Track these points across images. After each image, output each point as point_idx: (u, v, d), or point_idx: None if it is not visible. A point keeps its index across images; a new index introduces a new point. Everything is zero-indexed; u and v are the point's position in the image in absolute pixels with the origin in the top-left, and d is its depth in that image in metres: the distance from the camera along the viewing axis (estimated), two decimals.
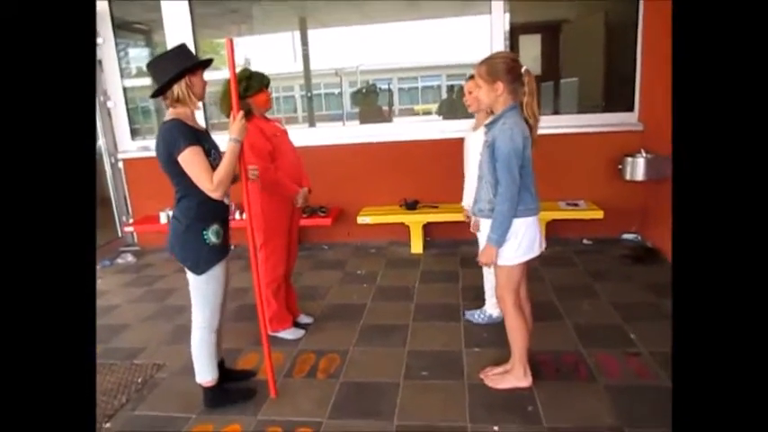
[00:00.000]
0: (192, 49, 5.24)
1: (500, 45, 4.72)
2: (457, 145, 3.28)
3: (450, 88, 6.14)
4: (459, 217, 3.43)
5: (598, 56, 6.35)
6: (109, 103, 5.38)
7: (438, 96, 7.78)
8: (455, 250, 4.52)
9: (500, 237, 2.25)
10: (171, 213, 2.36)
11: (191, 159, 2.14)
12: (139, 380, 2.85)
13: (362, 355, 2.93)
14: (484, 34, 4.88)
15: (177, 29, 5.23)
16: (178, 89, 2.18)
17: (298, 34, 6.74)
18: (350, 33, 6.77)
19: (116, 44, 5.42)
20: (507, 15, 4.75)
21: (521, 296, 2.46)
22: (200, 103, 2.34)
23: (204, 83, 2.27)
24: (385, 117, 6.77)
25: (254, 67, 3.06)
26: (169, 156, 2.15)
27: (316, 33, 6.77)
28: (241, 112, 2.28)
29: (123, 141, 5.50)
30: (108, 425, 2.47)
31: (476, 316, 3.21)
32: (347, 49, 6.49)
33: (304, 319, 3.40)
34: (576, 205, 4.56)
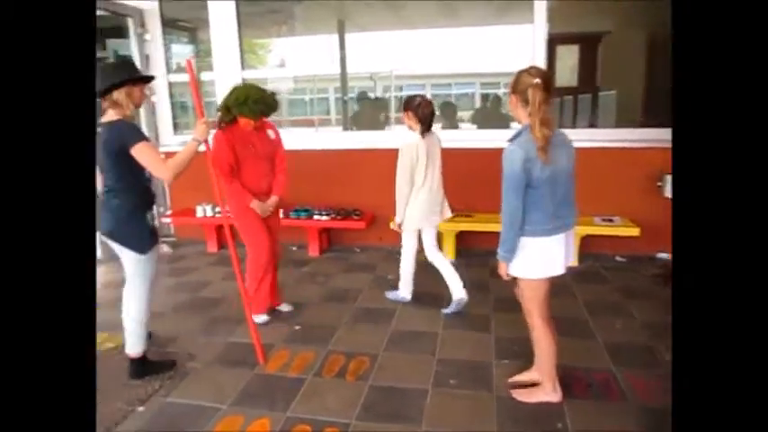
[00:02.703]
0: (237, 47, 5.42)
1: (541, 54, 4.67)
2: (491, 154, 3.27)
3: (485, 97, 6.08)
4: (493, 227, 3.42)
5: (638, 69, 6.25)
6: (153, 98, 5.54)
7: (470, 104, 7.70)
8: (487, 260, 4.49)
9: (505, 252, 2.28)
10: (105, 200, 2.59)
11: (147, 151, 2.47)
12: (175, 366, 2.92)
13: (392, 359, 2.95)
14: (521, 42, 4.82)
15: (223, 27, 5.35)
16: (118, 94, 2.51)
17: (334, 37, 6.81)
18: (386, 38, 6.77)
19: (164, 41, 5.58)
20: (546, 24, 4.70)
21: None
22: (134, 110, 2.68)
23: (143, 94, 2.65)
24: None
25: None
26: (121, 148, 2.45)
27: (352, 37, 6.80)
28: (204, 117, 2.69)
29: (166, 135, 5.66)
30: (141, 408, 2.55)
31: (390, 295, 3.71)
32: (382, 53, 6.50)
33: (285, 307, 3.67)
34: (610, 221, 4.49)
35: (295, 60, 6.75)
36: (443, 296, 3.84)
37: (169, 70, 5.73)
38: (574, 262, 4.44)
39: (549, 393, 2.46)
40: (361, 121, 6.43)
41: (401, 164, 3.34)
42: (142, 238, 2.62)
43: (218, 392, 2.65)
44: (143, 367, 2.82)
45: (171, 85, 5.68)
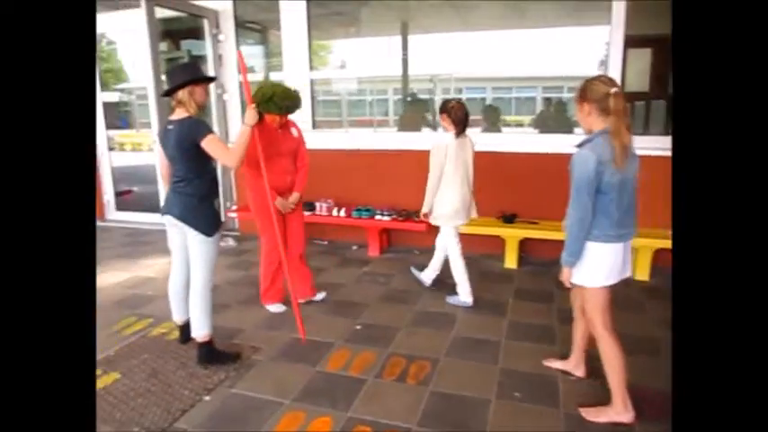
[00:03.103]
0: (306, 48, 5.52)
1: (618, 57, 4.47)
2: (555, 160, 3.17)
3: (548, 101, 5.88)
4: (557, 235, 3.31)
5: None
6: (225, 96, 5.73)
7: (531, 108, 7.47)
8: (550, 269, 4.36)
9: (569, 257, 2.30)
10: (176, 188, 2.83)
11: (215, 142, 2.72)
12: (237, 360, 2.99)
13: (453, 365, 2.90)
14: (591, 45, 4.63)
15: (293, 29, 5.46)
16: (182, 94, 2.74)
17: (394, 38, 6.79)
18: (448, 39, 6.68)
19: (236, 42, 5.76)
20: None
21: (580, 306, 2.48)
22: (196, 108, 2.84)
23: (205, 94, 2.86)
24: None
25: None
26: (192, 142, 2.68)
27: (414, 38, 6.77)
28: (253, 105, 2.96)
29: (235, 131, 5.83)
30: (208, 398, 2.62)
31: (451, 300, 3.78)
32: (444, 55, 6.40)
33: (319, 296, 3.85)
34: None
35: (355, 62, 6.79)
36: (507, 304, 3.76)
37: (238, 70, 5.89)
38: (643, 275, 4.23)
39: (620, 413, 2.35)
40: (406, 123, 6.40)
41: (431, 161, 3.61)
42: (209, 222, 2.82)
43: (281, 387, 2.69)
44: (210, 354, 2.93)
45: (241, 84, 5.84)
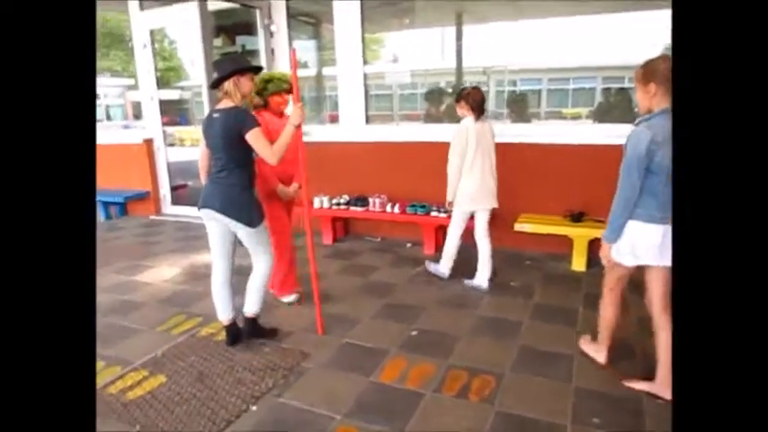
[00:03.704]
0: (359, 42, 5.32)
1: None
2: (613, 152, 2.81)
3: (607, 91, 5.40)
4: None
5: None
6: None
7: (590, 100, 6.94)
8: None
9: (610, 234, 2.34)
10: (221, 181, 2.78)
11: (260, 137, 2.69)
12: (286, 366, 2.82)
13: (520, 381, 2.61)
14: (654, 30, 4.20)
15: (346, 22, 5.26)
16: (228, 85, 2.73)
17: (447, 30, 6.50)
18: (502, 30, 6.36)
19: (289, 35, 5.63)
20: None
21: (659, 306, 2.40)
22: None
23: (251, 84, 2.83)
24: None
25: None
26: (238, 132, 2.67)
27: (468, 29, 6.47)
28: (300, 103, 2.85)
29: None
30: (254, 407, 2.46)
31: (470, 282, 3.90)
32: (497, 46, 6.07)
33: (289, 298, 3.72)
34: None
35: (407, 55, 6.57)
36: (578, 313, 3.42)
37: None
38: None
39: (598, 354, 2.72)
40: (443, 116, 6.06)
41: (452, 146, 3.63)
42: (252, 212, 2.82)
43: (332, 399, 2.49)
44: (255, 329, 3.10)
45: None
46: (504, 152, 4.60)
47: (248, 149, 2.75)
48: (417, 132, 5.20)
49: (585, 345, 2.86)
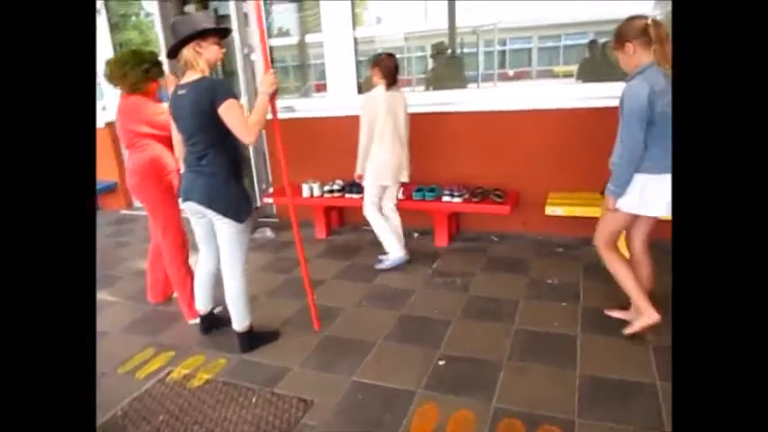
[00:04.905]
0: (348, 4, 4.51)
1: None
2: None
3: (592, 44, 4.59)
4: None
5: None
6: (253, 56, 4.81)
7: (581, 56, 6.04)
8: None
9: (617, 188, 2.32)
10: (197, 168, 2.39)
11: (236, 109, 2.25)
12: (282, 425, 2.14)
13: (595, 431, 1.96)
14: None
15: None
16: (188, 52, 2.28)
17: None
18: None
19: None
20: None
21: (637, 247, 2.56)
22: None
23: (219, 51, 2.36)
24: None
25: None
26: (211, 106, 2.23)
27: None
28: (272, 70, 2.43)
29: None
30: None
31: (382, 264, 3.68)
32: (486, 4, 5.37)
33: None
34: None
35: (391, 17, 5.86)
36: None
37: (270, 34, 4.95)
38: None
39: (646, 317, 2.44)
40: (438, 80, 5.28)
41: (361, 115, 3.42)
42: (240, 205, 2.43)
43: None
44: (251, 341, 2.70)
45: (272, 49, 4.91)
46: (506, 121, 3.92)
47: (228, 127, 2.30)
48: (419, 100, 4.42)
49: (620, 314, 2.71)
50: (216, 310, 2.93)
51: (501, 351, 2.54)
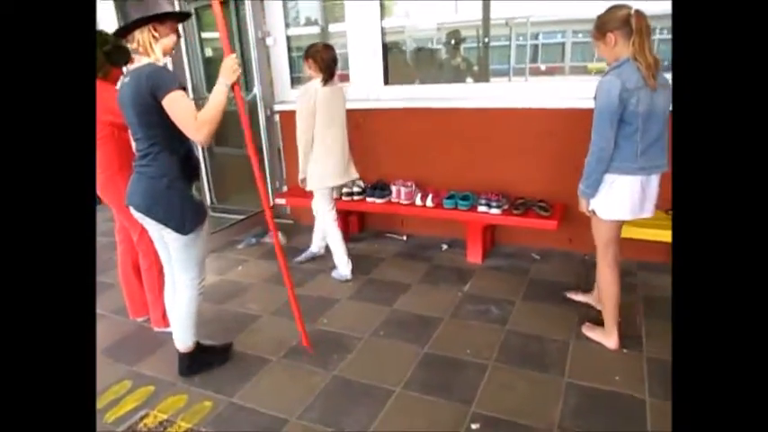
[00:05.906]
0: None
1: None
2: None
3: None
4: None
5: None
6: (268, 41, 4.33)
7: None
8: None
9: (587, 188, 2.25)
10: (139, 169, 2.12)
11: (180, 102, 1.96)
12: None
13: None
14: None
15: None
16: (142, 35, 2.01)
17: None
18: None
19: None
20: None
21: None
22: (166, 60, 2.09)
23: (177, 37, 2.11)
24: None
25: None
26: (153, 97, 1.95)
27: None
28: (234, 54, 2.11)
29: (283, 90, 4.47)
30: None
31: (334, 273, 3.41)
32: None
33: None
34: None
35: (418, 12, 5.41)
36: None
37: (289, 21, 4.48)
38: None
39: (606, 337, 2.39)
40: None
41: (297, 111, 3.12)
42: (184, 214, 2.11)
43: None
44: (195, 363, 2.41)
45: (289, 38, 4.43)
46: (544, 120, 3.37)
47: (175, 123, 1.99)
48: (457, 93, 3.88)
49: (589, 331, 2.55)
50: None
51: (550, 414, 2.02)
